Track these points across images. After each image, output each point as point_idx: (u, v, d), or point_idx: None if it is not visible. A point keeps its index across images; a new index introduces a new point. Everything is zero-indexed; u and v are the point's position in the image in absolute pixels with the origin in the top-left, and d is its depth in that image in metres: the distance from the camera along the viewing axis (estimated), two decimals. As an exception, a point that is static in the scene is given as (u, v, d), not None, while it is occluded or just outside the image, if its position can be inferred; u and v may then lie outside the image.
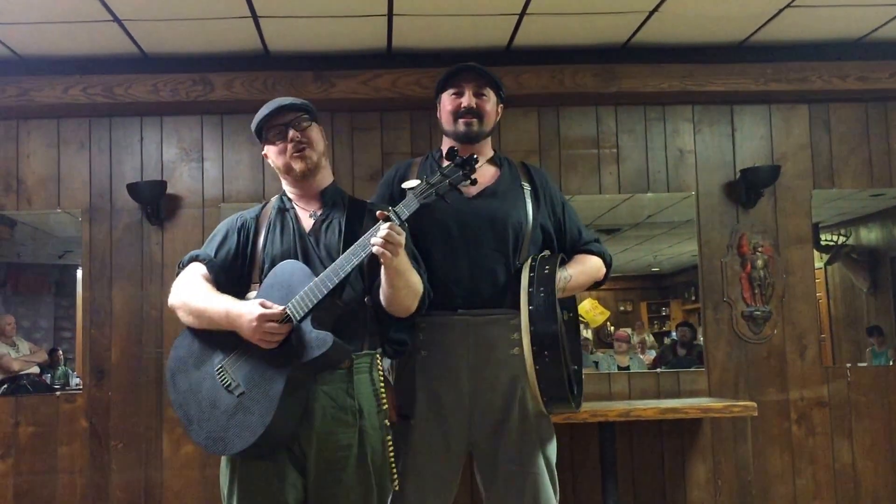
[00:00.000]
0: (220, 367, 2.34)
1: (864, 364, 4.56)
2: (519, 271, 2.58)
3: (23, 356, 4.42)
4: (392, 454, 2.40)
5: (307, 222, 2.50)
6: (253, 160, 4.40)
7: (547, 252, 2.70)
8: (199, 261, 2.50)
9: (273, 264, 2.40)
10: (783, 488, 4.34)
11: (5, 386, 4.36)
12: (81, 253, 4.35)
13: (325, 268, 2.30)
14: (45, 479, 4.19)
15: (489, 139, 2.86)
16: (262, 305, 2.24)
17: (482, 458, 2.65)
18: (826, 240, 4.70)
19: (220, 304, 2.33)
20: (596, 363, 4.55)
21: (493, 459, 2.61)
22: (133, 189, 4.27)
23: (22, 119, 4.39)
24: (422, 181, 2.28)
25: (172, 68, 4.26)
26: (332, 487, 2.34)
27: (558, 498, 2.67)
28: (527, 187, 2.77)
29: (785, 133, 4.54)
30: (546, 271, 2.49)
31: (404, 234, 2.26)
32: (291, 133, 2.46)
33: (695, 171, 4.51)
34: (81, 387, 4.27)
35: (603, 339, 4.69)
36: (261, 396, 2.26)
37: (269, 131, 2.50)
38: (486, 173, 2.75)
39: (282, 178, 2.59)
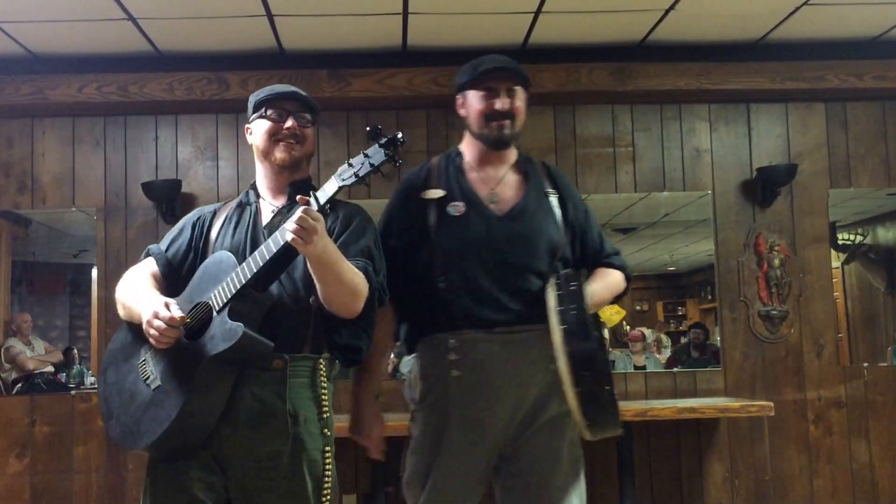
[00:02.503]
0: (143, 360, 2.25)
1: (885, 364, 4.54)
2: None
3: (38, 356, 4.42)
4: (329, 467, 2.24)
5: (265, 218, 2.36)
6: (268, 159, 4.40)
7: (569, 270, 2.53)
8: (150, 255, 2.41)
9: None
10: (800, 488, 4.33)
11: (20, 385, 4.36)
12: (96, 252, 4.36)
13: None
14: (61, 479, 4.19)
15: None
16: (166, 306, 2.13)
17: (509, 473, 2.51)
18: (843, 239, 4.68)
19: (139, 300, 2.23)
20: (612, 362, 4.54)
21: (520, 471, 2.49)
22: (148, 188, 4.27)
23: (37, 117, 4.40)
24: (345, 164, 2.09)
25: (187, 67, 4.26)
26: (259, 496, 2.19)
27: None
28: (552, 194, 2.59)
29: (801, 132, 4.53)
30: (573, 288, 2.35)
31: (321, 219, 2.06)
32: (291, 122, 2.34)
33: (711, 169, 4.51)
34: (97, 386, 4.27)
35: (619, 338, 4.68)
36: (172, 390, 2.14)
37: (270, 108, 2.36)
38: (511, 185, 2.57)
39: (257, 164, 2.43)
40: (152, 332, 2.13)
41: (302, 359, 2.26)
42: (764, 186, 4.41)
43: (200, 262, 2.33)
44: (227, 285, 2.14)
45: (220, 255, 2.26)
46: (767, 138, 4.53)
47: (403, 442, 2.60)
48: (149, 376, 2.21)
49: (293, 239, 2.03)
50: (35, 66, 4.23)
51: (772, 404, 3.96)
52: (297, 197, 2.08)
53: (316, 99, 4.33)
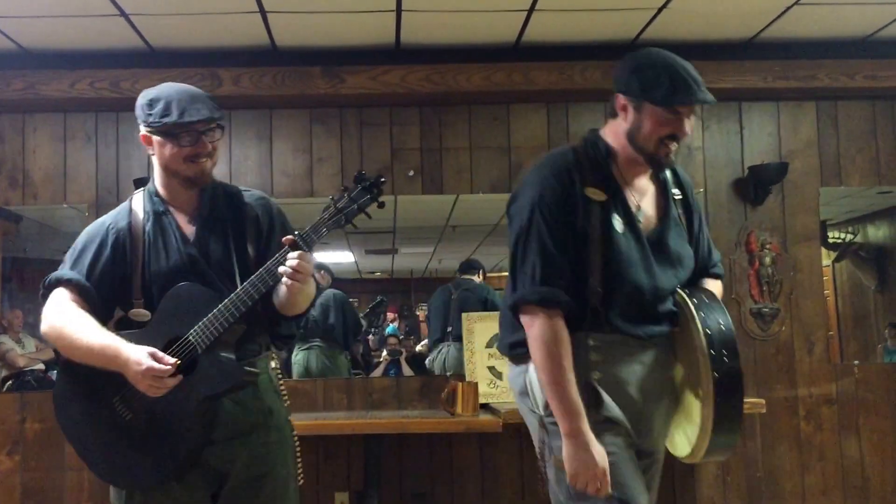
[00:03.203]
0: (119, 398, 2.23)
1: (876, 361, 4.57)
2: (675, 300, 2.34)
3: (28, 353, 4.40)
4: (299, 453, 2.42)
5: (187, 228, 2.35)
6: (260, 155, 4.40)
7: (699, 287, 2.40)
8: (70, 286, 2.28)
9: (163, 284, 2.27)
10: (792, 484, 4.35)
11: (10, 382, 4.34)
12: (87, 248, 4.32)
13: (219, 283, 2.27)
14: (52, 476, 4.16)
15: None
16: (153, 356, 2.13)
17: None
18: (834, 237, 4.71)
19: (108, 346, 2.17)
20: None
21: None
22: (140, 184, 4.20)
23: (28, 113, 4.36)
24: (330, 205, 2.23)
25: (180, 63, 4.23)
26: (255, 488, 2.31)
27: None
28: (677, 196, 2.43)
29: (793, 130, 4.55)
30: (715, 305, 2.26)
31: (313, 261, 2.21)
32: (208, 146, 2.31)
33: (703, 168, 4.52)
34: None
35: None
36: (169, 429, 2.19)
37: (181, 131, 2.28)
38: (651, 198, 2.39)
39: (159, 174, 2.39)
40: (150, 382, 2.12)
41: (262, 359, 2.38)
42: (755, 185, 4.43)
43: (130, 282, 2.30)
44: (213, 323, 2.18)
45: (190, 289, 2.25)
46: (759, 137, 4.54)
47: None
48: (130, 416, 2.22)
49: (291, 284, 2.17)
50: (26, 61, 4.20)
51: (763, 401, 3.99)
52: (284, 238, 2.19)
53: (309, 96, 4.38)
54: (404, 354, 4.94)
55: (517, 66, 4.29)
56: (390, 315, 5.56)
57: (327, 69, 4.25)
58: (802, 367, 4.42)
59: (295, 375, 4.63)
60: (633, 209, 2.32)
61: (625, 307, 2.27)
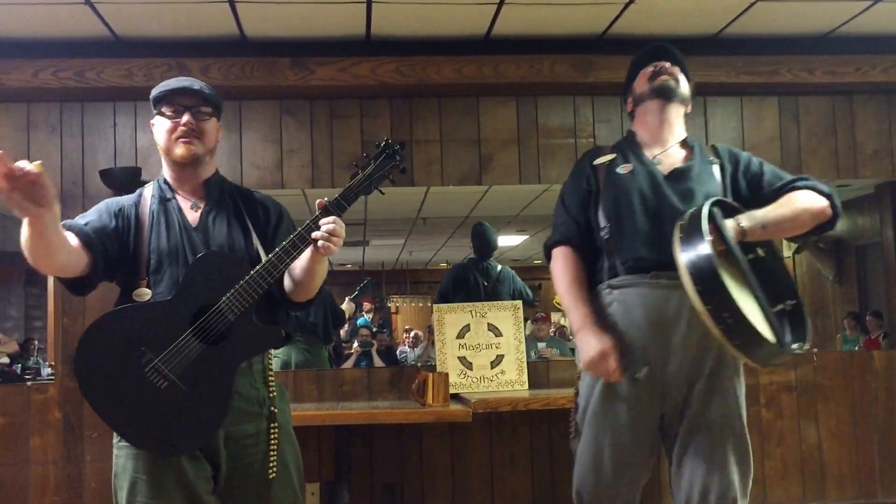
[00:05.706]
0: (152, 366, 2.22)
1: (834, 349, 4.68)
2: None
3: (-7, 346, 4.34)
4: (275, 439, 2.39)
5: (190, 214, 2.41)
6: (230, 146, 4.36)
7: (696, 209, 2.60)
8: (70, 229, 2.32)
9: (160, 260, 2.32)
10: (752, 469, 4.44)
11: (-27, 376, 4.27)
12: (52, 240, 4.25)
13: None
14: (17, 471, 4.11)
15: (682, 118, 2.90)
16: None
17: (672, 424, 2.66)
18: (794, 229, 4.80)
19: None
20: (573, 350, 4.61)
21: (687, 423, 2.64)
22: (106, 175, 4.19)
23: (-10, 103, 4.28)
24: (357, 172, 2.31)
25: (146, 53, 4.18)
26: (243, 475, 2.35)
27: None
28: (714, 161, 2.78)
29: (755, 125, 4.65)
30: (691, 216, 2.46)
31: (343, 226, 2.24)
32: (186, 118, 2.36)
33: (668, 161, 4.58)
34: (54, 377, 4.19)
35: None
36: (209, 395, 2.24)
37: (165, 105, 2.38)
38: (677, 155, 2.80)
39: (163, 160, 2.47)
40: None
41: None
42: (719, 177, 4.52)
43: (133, 254, 2.34)
44: (246, 290, 2.21)
45: (218, 257, 2.30)
46: (723, 130, 4.63)
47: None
48: (165, 383, 2.22)
49: (326, 247, 2.18)
50: (-12, 50, 4.12)
51: (726, 389, 4.07)
52: (318, 202, 2.22)
53: (278, 87, 4.35)
54: (375, 346, 4.95)
55: (487, 59, 4.31)
56: (366, 306, 5.58)
57: (297, 60, 4.23)
58: (763, 355, 4.52)
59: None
60: (648, 157, 2.73)
61: (642, 239, 2.59)
